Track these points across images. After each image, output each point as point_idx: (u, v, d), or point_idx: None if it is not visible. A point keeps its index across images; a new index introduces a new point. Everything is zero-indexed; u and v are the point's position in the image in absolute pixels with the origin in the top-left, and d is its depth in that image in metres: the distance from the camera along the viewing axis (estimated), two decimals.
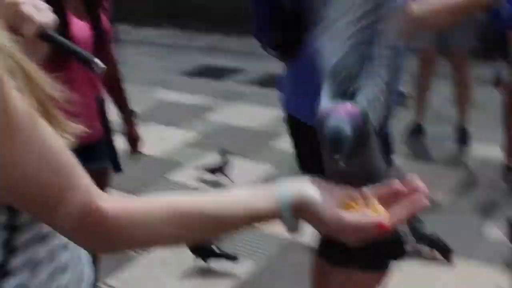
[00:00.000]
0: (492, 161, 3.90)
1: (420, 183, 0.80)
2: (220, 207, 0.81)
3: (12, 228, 0.76)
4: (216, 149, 3.82)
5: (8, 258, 0.75)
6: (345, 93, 1.03)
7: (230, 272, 2.72)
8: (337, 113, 0.97)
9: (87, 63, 1.01)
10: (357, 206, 0.79)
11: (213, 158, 3.77)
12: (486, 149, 4.08)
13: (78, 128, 0.78)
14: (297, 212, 0.78)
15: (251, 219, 0.80)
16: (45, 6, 0.95)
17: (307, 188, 0.79)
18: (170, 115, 5.02)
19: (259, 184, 3.04)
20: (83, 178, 0.78)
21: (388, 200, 0.80)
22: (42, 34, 0.91)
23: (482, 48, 4.19)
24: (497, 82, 3.96)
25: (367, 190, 0.82)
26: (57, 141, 0.75)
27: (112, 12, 2.17)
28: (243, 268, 2.78)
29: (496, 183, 3.68)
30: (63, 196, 0.75)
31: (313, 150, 1.19)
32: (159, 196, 0.85)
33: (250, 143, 4.34)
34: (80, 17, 1.83)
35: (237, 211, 0.80)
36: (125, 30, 7.19)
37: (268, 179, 3.58)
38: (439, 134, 4.37)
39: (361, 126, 1.01)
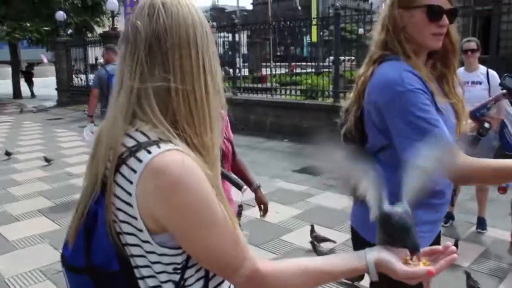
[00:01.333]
0: (502, 239, 4.50)
1: (453, 248, 1.07)
2: (331, 266, 1.07)
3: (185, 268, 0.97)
4: (315, 222, 4.58)
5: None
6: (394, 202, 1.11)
7: None
8: (411, 218, 1.06)
9: (237, 186, 1.28)
10: (412, 262, 1.05)
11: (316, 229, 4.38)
12: (498, 232, 4.68)
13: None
14: (378, 267, 1.05)
15: (349, 273, 1.07)
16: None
17: (382, 251, 1.07)
18: (284, 197, 5.88)
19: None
20: (250, 250, 1.00)
21: (432, 257, 1.08)
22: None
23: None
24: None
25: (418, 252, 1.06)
26: (232, 224, 0.97)
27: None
28: None
29: (502, 254, 4.22)
30: (241, 264, 0.97)
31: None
32: (293, 259, 1.07)
33: (337, 220, 4.97)
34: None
35: (342, 268, 1.06)
36: (260, 141, 9.48)
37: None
38: (463, 219, 4.96)
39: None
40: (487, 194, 4.77)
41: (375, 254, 1.07)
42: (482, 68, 4.76)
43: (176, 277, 0.97)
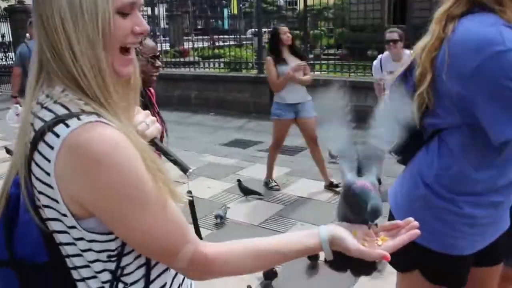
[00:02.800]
0: None
1: (415, 224, 1.00)
2: (284, 245, 1.01)
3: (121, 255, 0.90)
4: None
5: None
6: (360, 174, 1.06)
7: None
8: (368, 187, 1.00)
9: (182, 169, 1.18)
10: (369, 238, 1.00)
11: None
12: None
13: (183, 195, 0.96)
14: (332, 245, 0.98)
15: (303, 252, 1.01)
16: (152, 120, 1.14)
17: (336, 228, 1.00)
18: (214, 172, 5.84)
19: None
20: (192, 232, 0.95)
21: (392, 232, 1.02)
22: (153, 144, 1.10)
23: None
24: None
25: (375, 226, 1.03)
26: (175, 207, 0.91)
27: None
28: None
29: None
30: (182, 248, 0.90)
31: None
32: (241, 240, 1.00)
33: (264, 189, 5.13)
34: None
35: (295, 247, 1.00)
36: (186, 116, 9.31)
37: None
38: None
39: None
40: None
41: (329, 230, 1.00)
42: (407, 55, 4.85)
43: (112, 266, 0.90)
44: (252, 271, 1.05)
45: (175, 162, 1.18)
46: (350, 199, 1.05)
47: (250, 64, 10.49)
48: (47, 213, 0.87)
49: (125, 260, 0.91)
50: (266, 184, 5.16)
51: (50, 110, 0.86)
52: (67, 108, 0.85)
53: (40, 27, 0.87)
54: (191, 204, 1.18)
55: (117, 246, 0.89)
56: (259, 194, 4.88)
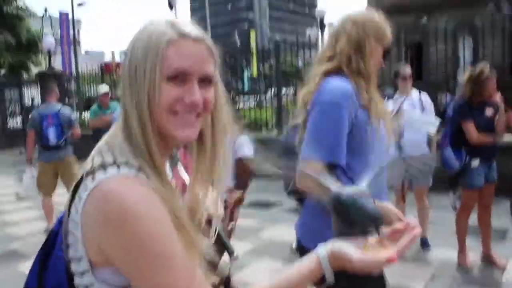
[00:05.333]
0: (449, 260, 4.55)
1: (414, 222, 0.96)
2: (288, 281, 0.97)
3: None
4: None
5: None
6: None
7: None
8: (358, 195, 0.99)
9: (229, 252, 1.19)
10: (372, 248, 0.94)
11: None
12: (443, 252, 4.77)
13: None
14: (333, 260, 0.93)
15: (309, 280, 0.97)
16: (221, 205, 1.19)
17: (334, 244, 0.96)
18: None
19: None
20: (199, 275, 0.92)
21: (394, 237, 0.96)
22: (209, 222, 1.14)
23: (437, 184, 4.97)
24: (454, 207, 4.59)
25: (376, 236, 0.97)
26: (191, 259, 0.90)
27: None
28: None
29: (452, 274, 4.29)
30: None
31: None
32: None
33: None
34: None
35: (298, 278, 0.97)
36: None
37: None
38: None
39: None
40: (428, 213, 4.98)
41: (327, 247, 0.96)
42: (415, 92, 5.03)
43: None
44: None
45: (225, 244, 1.19)
46: (342, 211, 1.00)
47: (270, 125, 10.64)
48: (70, 252, 0.90)
49: None
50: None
51: (101, 156, 0.91)
52: (114, 157, 0.90)
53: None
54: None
55: None
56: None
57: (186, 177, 1.22)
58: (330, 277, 0.94)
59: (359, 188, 1.02)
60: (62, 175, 6.19)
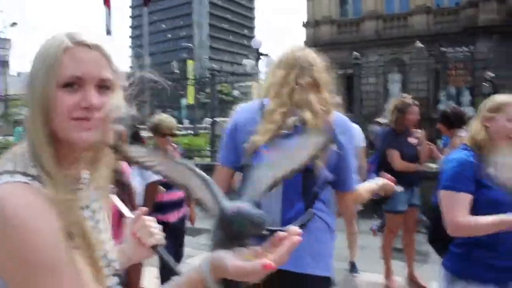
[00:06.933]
0: (377, 284, 4.69)
1: (294, 230, 0.91)
2: None
3: None
4: None
5: None
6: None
7: None
8: (243, 207, 0.96)
9: (171, 270, 1.15)
10: (253, 257, 0.90)
11: None
12: (371, 276, 4.90)
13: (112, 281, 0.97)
14: (216, 271, 0.90)
15: None
16: (156, 227, 1.20)
17: (216, 254, 0.92)
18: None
19: None
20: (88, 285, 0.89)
21: (277, 245, 0.90)
22: (155, 250, 1.17)
23: (366, 210, 4.94)
24: (380, 230, 4.87)
25: (259, 246, 0.93)
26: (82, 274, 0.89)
27: None
28: None
29: None
30: None
31: None
32: None
33: None
34: None
35: None
36: None
37: None
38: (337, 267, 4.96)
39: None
40: (356, 237, 5.10)
41: (208, 257, 0.93)
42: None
43: None
44: None
45: (170, 268, 1.18)
46: (226, 222, 0.98)
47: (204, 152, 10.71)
48: None
49: None
50: None
51: (3, 164, 0.91)
52: (14, 165, 0.90)
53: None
54: None
55: None
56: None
57: (123, 208, 1.29)
58: (213, 286, 0.92)
59: (246, 202, 1.00)
60: None
